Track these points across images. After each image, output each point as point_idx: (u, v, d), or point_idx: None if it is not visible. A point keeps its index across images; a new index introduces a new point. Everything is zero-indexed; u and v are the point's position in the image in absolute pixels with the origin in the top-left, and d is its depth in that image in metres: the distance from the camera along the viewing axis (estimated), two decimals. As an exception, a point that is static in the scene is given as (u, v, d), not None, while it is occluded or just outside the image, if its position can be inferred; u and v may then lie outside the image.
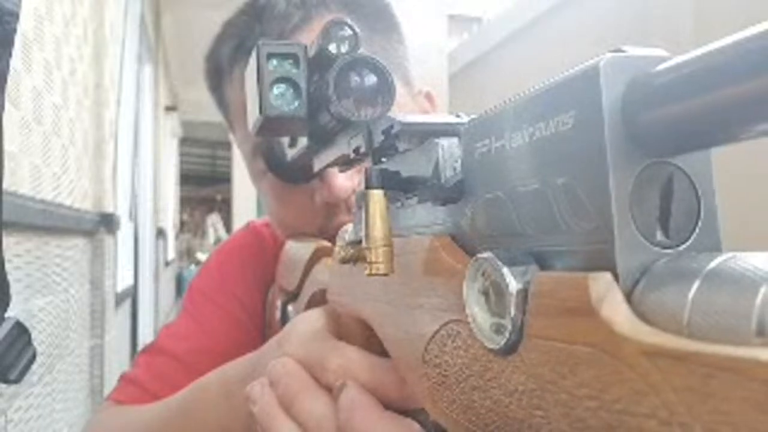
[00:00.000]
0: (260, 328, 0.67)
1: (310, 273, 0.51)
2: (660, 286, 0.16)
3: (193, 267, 8.18)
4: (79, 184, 1.76)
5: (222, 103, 0.66)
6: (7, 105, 0.92)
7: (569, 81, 0.18)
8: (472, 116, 0.25)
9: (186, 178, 8.88)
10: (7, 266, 0.90)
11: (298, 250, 0.57)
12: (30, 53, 1.14)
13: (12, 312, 0.92)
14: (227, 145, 7.14)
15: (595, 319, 0.16)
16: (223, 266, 0.72)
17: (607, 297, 0.16)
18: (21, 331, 0.92)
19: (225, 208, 9.08)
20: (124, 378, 0.68)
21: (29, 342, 0.95)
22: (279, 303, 0.59)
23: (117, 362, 2.82)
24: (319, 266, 0.50)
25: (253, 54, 0.32)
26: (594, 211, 0.18)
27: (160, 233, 5.10)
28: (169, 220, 6.29)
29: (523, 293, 0.19)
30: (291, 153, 0.40)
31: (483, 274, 0.21)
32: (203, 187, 10.66)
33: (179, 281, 7.31)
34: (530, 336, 0.19)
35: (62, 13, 1.44)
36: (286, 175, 0.60)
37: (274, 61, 0.32)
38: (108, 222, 2.04)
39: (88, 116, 1.82)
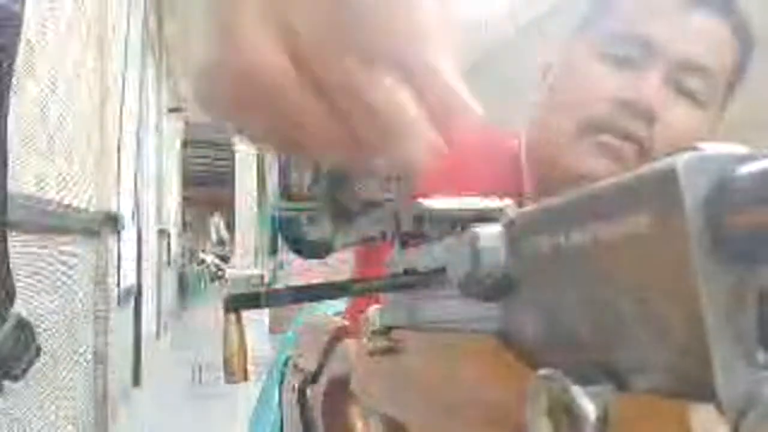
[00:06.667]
0: None
1: (329, 356, 0.49)
2: None
3: (195, 266, 8.23)
4: (84, 184, 1.77)
5: None
6: (12, 107, 0.93)
7: (640, 182, 0.17)
8: (507, 203, 0.24)
9: (188, 180, 8.89)
10: (13, 265, 0.92)
11: (316, 327, 0.55)
12: (33, 56, 1.15)
13: (18, 310, 0.93)
14: (229, 147, 7.16)
15: None
16: None
17: None
18: (24, 327, 0.94)
19: (227, 210, 9.10)
20: None
21: (33, 338, 0.96)
22: (295, 384, 0.57)
23: (120, 358, 2.84)
24: (341, 349, 0.47)
25: None
26: (680, 326, 0.16)
27: (163, 234, 5.12)
28: (172, 220, 6.31)
29: (603, 420, 0.17)
30: (310, 231, 0.39)
31: (547, 393, 0.19)
32: (205, 188, 10.69)
33: (181, 280, 7.40)
34: None
35: (66, 17, 1.46)
36: (305, 251, 0.59)
37: None
38: (112, 222, 2.06)
39: (92, 119, 1.83)
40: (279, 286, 0.77)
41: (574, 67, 0.63)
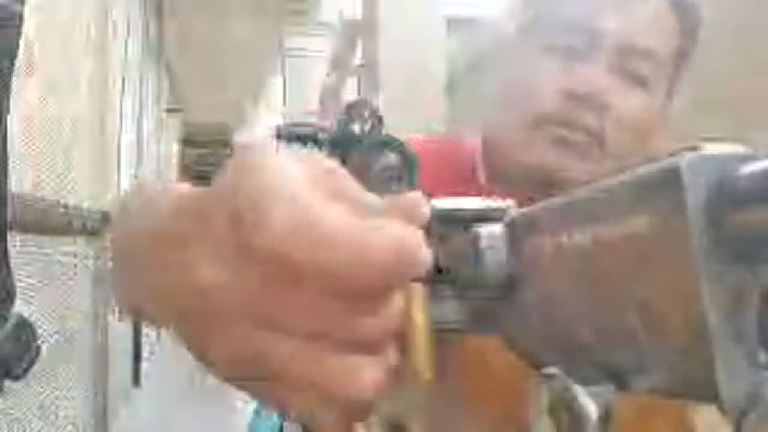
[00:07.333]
0: None
1: None
2: None
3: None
4: (83, 184, 1.77)
5: None
6: (12, 107, 0.93)
7: (643, 181, 0.16)
8: (509, 204, 0.24)
9: (188, 179, 8.90)
10: (13, 265, 0.92)
11: None
12: (33, 55, 1.15)
13: (18, 310, 0.93)
14: (228, 146, 7.15)
15: None
16: None
17: None
18: (25, 327, 0.94)
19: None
20: None
21: (34, 338, 0.96)
22: None
23: (120, 357, 2.83)
24: None
25: (274, 135, 0.32)
26: (682, 326, 0.16)
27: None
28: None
29: (604, 420, 0.17)
30: None
31: (549, 392, 0.19)
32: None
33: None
34: None
35: (66, 17, 1.46)
36: None
37: (295, 144, 0.32)
38: (112, 221, 2.06)
39: (91, 118, 1.83)
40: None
41: (526, 63, 0.62)
